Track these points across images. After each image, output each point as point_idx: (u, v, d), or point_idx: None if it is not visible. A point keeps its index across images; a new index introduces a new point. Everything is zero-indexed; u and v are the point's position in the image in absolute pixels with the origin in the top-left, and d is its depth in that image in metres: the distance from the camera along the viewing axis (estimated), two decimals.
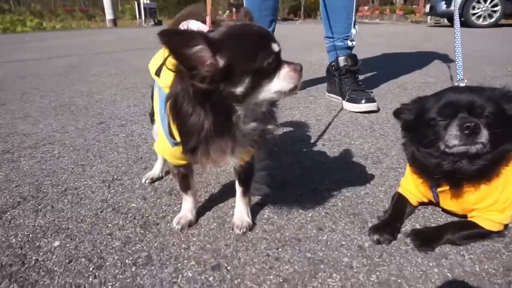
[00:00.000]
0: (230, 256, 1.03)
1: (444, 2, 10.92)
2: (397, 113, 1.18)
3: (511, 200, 1.08)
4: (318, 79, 3.44)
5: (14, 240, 1.12)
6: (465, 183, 1.09)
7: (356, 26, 2.64)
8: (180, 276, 0.96)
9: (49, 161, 1.72)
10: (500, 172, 1.09)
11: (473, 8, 10.47)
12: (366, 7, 32.31)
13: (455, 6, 1.64)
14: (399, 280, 0.93)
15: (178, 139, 0.98)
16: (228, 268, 0.99)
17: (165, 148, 1.06)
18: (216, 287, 0.92)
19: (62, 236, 1.14)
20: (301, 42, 7.50)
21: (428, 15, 13.55)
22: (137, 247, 1.08)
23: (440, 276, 0.94)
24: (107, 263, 1.01)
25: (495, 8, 10.30)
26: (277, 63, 0.89)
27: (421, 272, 0.96)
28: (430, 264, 0.98)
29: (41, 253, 1.06)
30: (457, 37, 1.53)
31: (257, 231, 1.15)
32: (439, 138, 1.03)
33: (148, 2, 19.57)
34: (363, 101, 2.36)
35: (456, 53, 1.47)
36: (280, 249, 1.06)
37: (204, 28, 1.26)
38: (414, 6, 22.46)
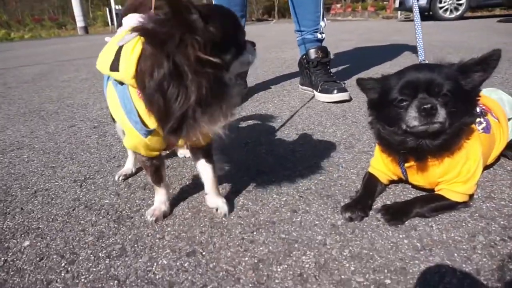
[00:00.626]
0: (205, 242, 1.04)
1: None
2: (360, 82, 1.22)
3: (473, 171, 1.13)
4: (292, 74, 3.48)
5: None
6: (430, 157, 1.13)
7: (325, 18, 2.68)
8: (155, 264, 0.96)
9: (18, 165, 1.67)
10: (462, 145, 1.13)
11: (440, 1, 10.83)
12: (338, 5, 32.84)
13: (415, 3, 1.69)
14: (370, 253, 0.95)
15: (152, 126, 0.98)
16: (203, 253, 0.99)
17: (137, 141, 1.05)
18: (192, 272, 0.92)
19: (32, 236, 1.11)
20: (275, 41, 7.56)
21: (398, 10, 13.90)
22: (110, 241, 1.06)
23: (410, 246, 0.97)
24: (80, 258, 0.99)
25: (461, 1, 10.68)
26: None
27: (391, 244, 0.98)
28: (400, 236, 1.01)
29: (10, 254, 1.03)
30: (416, 22, 1.59)
31: (231, 217, 1.16)
32: (401, 118, 1.06)
33: (120, 8, 19.28)
34: (335, 91, 2.41)
35: (416, 35, 1.52)
36: (254, 233, 1.07)
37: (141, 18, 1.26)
38: (385, 3, 22.96)
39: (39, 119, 2.43)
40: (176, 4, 0.81)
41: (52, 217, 1.21)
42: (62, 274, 0.94)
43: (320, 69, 2.63)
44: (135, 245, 1.04)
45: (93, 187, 1.41)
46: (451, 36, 6.24)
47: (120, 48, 0.97)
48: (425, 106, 1.02)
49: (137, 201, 1.29)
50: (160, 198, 1.20)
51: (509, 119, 1.38)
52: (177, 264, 0.95)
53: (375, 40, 6.50)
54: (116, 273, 0.93)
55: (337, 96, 2.40)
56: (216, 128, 0.98)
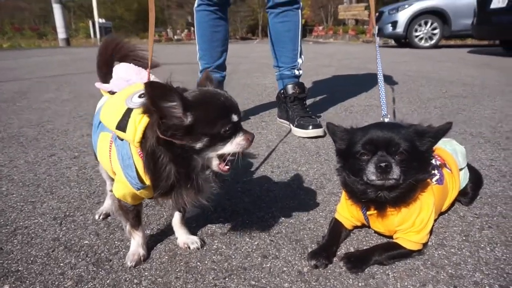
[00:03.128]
0: None
1: (390, 25, 11.83)
2: (328, 127, 1.34)
3: (425, 222, 1.25)
4: (271, 104, 3.62)
5: None
6: (388, 207, 1.25)
7: (303, 56, 2.84)
8: None
9: None
10: (417, 198, 1.26)
11: (416, 30, 11.40)
12: (320, 27, 33.82)
13: (378, 62, 1.83)
14: None
15: (147, 183, 1.10)
16: None
17: (127, 192, 1.16)
18: None
19: (11, 279, 1.15)
20: (256, 63, 7.76)
21: (377, 36, 14.47)
22: (89, 286, 1.11)
23: None
24: None
25: (435, 31, 11.28)
26: (234, 130, 1.08)
27: None
28: (360, 284, 1.11)
29: None
30: (380, 80, 1.72)
31: (206, 261, 1.23)
32: (363, 170, 1.18)
33: (103, 21, 19.26)
34: (310, 127, 2.54)
35: (380, 92, 1.66)
36: (227, 279, 1.14)
37: (133, 70, 1.39)
38: (365, 27, 23.84)
39: (18, 146, 2.45)
40: (153, 92, 0.94)
41: (32, 258, 1.25)
42: None
43: (296, 104, 2.76)
44: None
45: (72, 226, 1.46)
46: (425, 66, 6.60)
47: (129, 109, 1.08)
48: (381, 164, 1.14)
49: (116, 242, 1.35)
50: (138, 241, 1.26)
51: (461, 169, 1.53)
52: None
53: (353, 67, 6.78)
54: None
55: (312, 132, 2.53)
56: (198, 199, 1.11)
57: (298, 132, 2.60)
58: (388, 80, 4.75)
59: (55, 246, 1.32)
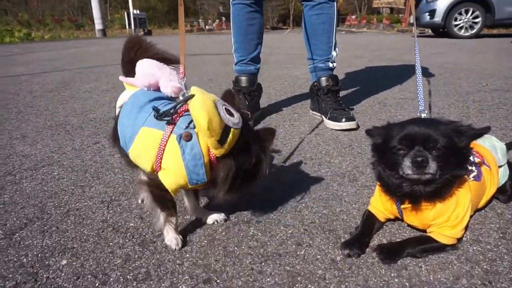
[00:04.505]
0: (219, 271, 1.18)
1: (427, 14, 11.35)
2: (368, 132, 1.36)
3: (461, 217, 1.25)
4: (303, 95, 3.63)
5: (25, 259, 1.24)
6: (423, 201, 1.26)
7: (337, 48, 2.83)
8: None
9: (50, 182, 1.84)
10: (453, 193, 1.27)
11: (455, 19, 10.90)
12: (353, 16, 32.96)
13: (416, 55, 1.81)
14: None
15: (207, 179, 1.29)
16: (218, 281, 1.13)
17: (180, 185, 1.28)
18: None
19: (68, 255, 1.27)
20: (288, 54, 7.72)
21: (413, 25, 13.95)
22: (136, 264, 1.21)
23: (400, 285, 1.10)
24: (111, 279, 1.14)
25: (476, 20, 10.74)
26: None
27: (383, 282, 1.11)
28: (392, 275, 1.14)
29: (51, 271, 1.19)
30: (418, 73, 1.71)
31: (242, 247, 1.30)
32: (398, 165, 1.19)
33: (138, 12, 19.70)
34: (343, 119, 2.54)
35: (417, 87, 1.65)
36: (263, 264, 1.21)
37: (156, 65, 1.49)
38: (400, 15, 23.01)
39: (65, 134, 2.62)
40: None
41: (84, 237, 1.37)
42: None
43: (330, 97, 2.77)
44: (158, 270, 1.18)
45: (118, 209, 1.57)
46: (463, 58, 6.33)
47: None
48: (418, 159, 1.15)
49: None
50: (174, 228, 1.33)
51: (500, 166, 1.51)
52: None
53: (387, 58, 6.61)
54: None
55: (345, 124, 2.54)
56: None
57: (331, 124, 2.61)
58: (424, 72, 4.61)
59: (104, 227, 1.44)
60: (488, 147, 1.51)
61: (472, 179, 1.36)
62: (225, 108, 1.22)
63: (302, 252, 1.26)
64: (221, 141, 1.19)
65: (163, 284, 1.12)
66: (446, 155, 1.18)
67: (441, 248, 1.27)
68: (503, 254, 1.23)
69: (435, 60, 5.89)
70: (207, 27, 30.12)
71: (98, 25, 18.65)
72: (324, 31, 2.73)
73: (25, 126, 2.83)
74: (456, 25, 10.94)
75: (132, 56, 1.59)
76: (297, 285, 1.11)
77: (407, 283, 1.10)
